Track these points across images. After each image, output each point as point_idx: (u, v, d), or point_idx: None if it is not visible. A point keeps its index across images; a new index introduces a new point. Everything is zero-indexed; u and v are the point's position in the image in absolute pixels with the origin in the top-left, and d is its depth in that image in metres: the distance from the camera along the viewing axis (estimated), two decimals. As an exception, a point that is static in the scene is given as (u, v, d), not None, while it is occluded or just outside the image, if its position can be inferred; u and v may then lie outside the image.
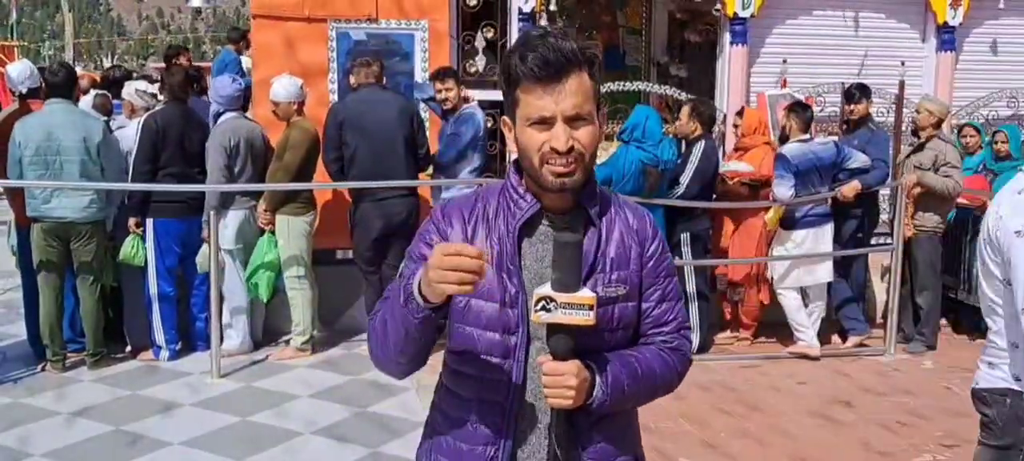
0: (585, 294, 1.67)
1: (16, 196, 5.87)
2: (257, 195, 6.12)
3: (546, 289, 1.67)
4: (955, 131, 7.34)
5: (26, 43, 26.24)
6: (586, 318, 1.66)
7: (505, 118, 1.84)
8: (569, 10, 8.61)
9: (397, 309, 1.74)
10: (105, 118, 6.32)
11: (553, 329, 1.69)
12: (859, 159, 6.35)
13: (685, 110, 6.52)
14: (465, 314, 1.83)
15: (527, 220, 1.81)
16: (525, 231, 1.82)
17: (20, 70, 6.08)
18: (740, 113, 6.78)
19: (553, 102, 1.70)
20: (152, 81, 7.75)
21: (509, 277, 1.80)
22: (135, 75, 9.39)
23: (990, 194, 6.73)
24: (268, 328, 6.61)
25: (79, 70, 9.45)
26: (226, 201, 6.03)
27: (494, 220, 1.83)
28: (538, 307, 1.66)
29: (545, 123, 1.72)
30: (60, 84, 5.73)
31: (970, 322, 7.00)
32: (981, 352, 2.66)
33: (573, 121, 1.72)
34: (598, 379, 1.77)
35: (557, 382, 1.70)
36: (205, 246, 5.91)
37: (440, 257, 1.60)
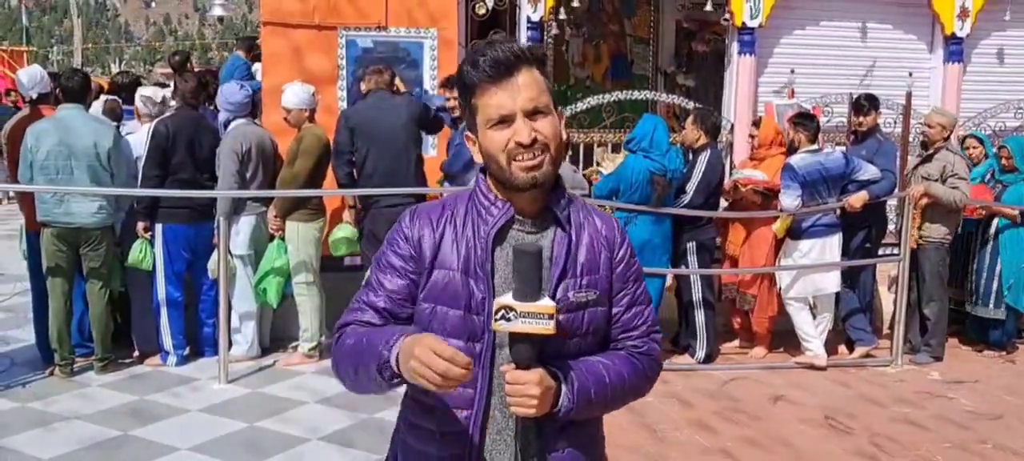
0: (544, 303, 1.67)
1: (26, 200, 5.91)
2: (267, 201, 6.14)
3: (506, 299, 1.67)
4: (959, 142, 7.35)
5: (35, 48, 26.33)
6: (546, 327, 1.66)
7: (467, 133, 1.86)
8: (577, 19, 8.63)
9: (371, 369, 1.73)
10: (115, 123, 6.35)
11: (515, 338, 1.69)
12: (869, 171, 6.35)
13: (689, 120, 6.54)
14: (430, 320, 1.82)
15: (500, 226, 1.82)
16: (498, 236, 1.82)
17: (31, 75, 6.12)
18: (757, 123, 6.79)
19: (510, 98, 1.75)
20: (163, 86, 7.78)
21: (476, 282, 1.79)
22: (143, 81, 9.43)
23: (994, 205, 6.74)
24: (275, 334, 6.62)
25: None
26: (237, 207, 6.06)
27: (462, 227, 1.84)
28: (498, 316, 1.67)
29: (505, 121, 1.75)
30: (74, 89, 5.77)
31: (976, 333, 7.00)
32: None
33: (532, 115, 1.75)
34: (564, 387, 1.76)
35: (520, 391, 1.69)
36: (215, 251, 5.93)
37: (429, 356, 1.59)
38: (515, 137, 1.74)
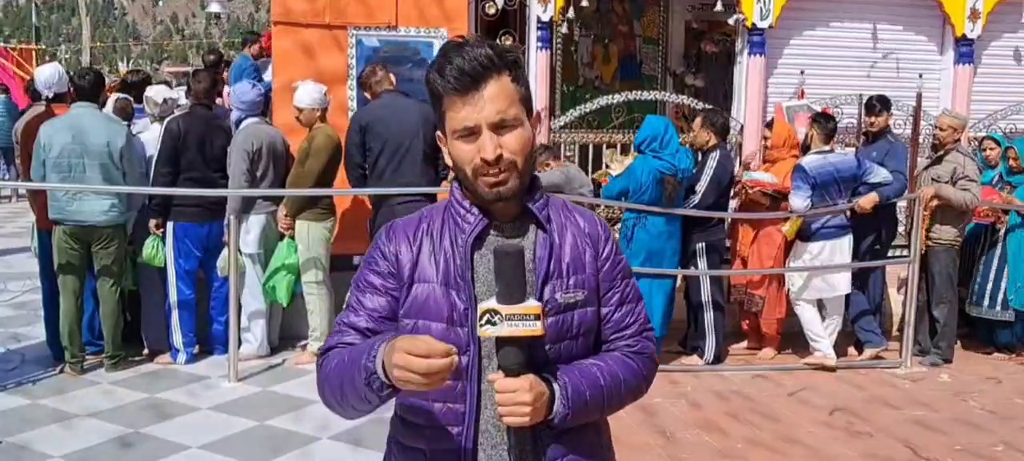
0: (530, 304, 1.61)
1: (38, 198, 5.93)
2: (278, 200, 6.15)
3: (490, 303, 1.61)
4: (975, 143, 7.32)
5: (44, 47, 26.41)
6: (533, 328, 1.60)
7: (439, 133, 1.80)
8: (586, 19, 8.64)
9: (359, 384, 1.64)
10: (126, 122, 6.37)
11: (502, 343, 1.62)
12: (880, 174, 6.34)
13: (697, 121, 6.52)
14: (414, 334, 1.74)
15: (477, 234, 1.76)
16: (476, 244, 1.76)
17: (49, 74, 6.13)
18: (770, 125, 6.78)
19: (475, 111, 1.68)
20: (169, 85, 7.80)
21: (457, 293, 1.73)
22: (152, 80, 9.45)
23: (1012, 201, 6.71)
24: (284, 333, 6.64)
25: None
26: (248, 206, 6.07)
27: (439, 238, 1.78)
28: (483, 321, 1.60)
29: (471, 133, 1.69)
30: (87, 88, 5.79)
31: (985, 336, 6.98)
32: None
33: (498, 128, 1.68)
34: (557, 392, 1.70)
35: (510, 399, 1.62)
36: (226, 250, 5.95)
37: (407, 359, 1.53)
38: (480, 152, 1.68)
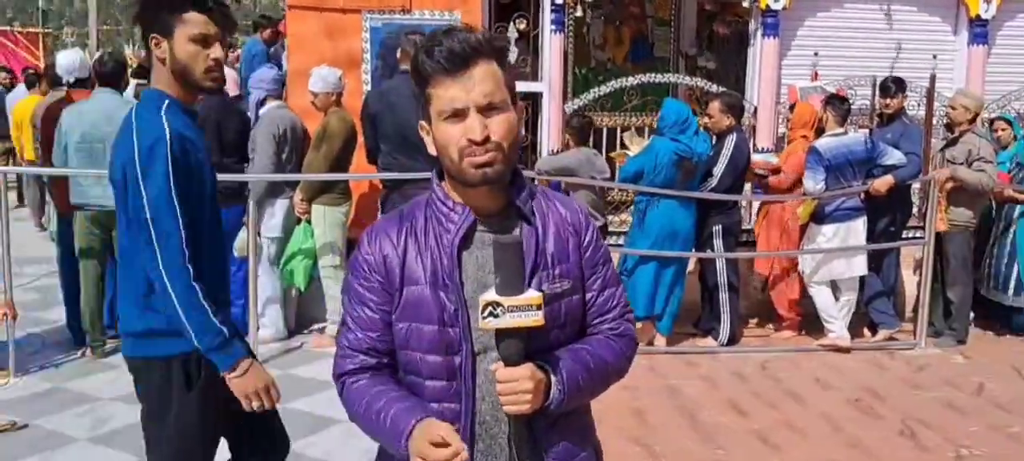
0: (531, 295, 1.64)
1: (59, 184, 5.95)
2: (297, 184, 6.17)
3: (491, 295, 1.63)
4: (986, 124, 7.31)
5: (51, 30, 26.34)
6: (535, 319, 1.63)
7: (421, 121, 1.80)
8: (599, 1, 8.62)
9: (387, 445, 1.78)
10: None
11: (502, 335, 1.65)
12: (894, 156, 6.34)
13: (715, 105, 6.49)
14: (407, 339, 1.80)
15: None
16: (462, 242, 1.77)
17: (71, 59, 6.13)
18: (792, 108, 6.80)
19: (464, 92, 1.69)
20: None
21: (446, 294, 1.75)
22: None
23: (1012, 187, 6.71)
24: (300, 317, 6.67)
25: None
26: (273, 190, 6.08)
27: (423, 236, 1.79)
28: (485, 314, 1.62)
29: (458, 115, 1.70)
30: (109, 74, 5.80)
31: (998, 318, 6.99)
32: None
33: (487, 111, 1.70)
34: (553, 378, 1.73)
35: (512, 389, 1.66)
36: (243, 232, 5.96)
37: (427, 449, 1.64)
38: (467, 133, 1.69)
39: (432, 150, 1.78)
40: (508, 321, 1.62)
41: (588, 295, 1.87)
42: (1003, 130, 7.16)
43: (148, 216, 2.47)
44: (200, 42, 2.57)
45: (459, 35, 1.70)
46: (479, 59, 1.70)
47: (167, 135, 2.50)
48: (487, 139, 1.69)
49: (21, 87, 11.00)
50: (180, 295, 2.48)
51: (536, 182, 4.43)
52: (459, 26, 1.77)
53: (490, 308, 1.62)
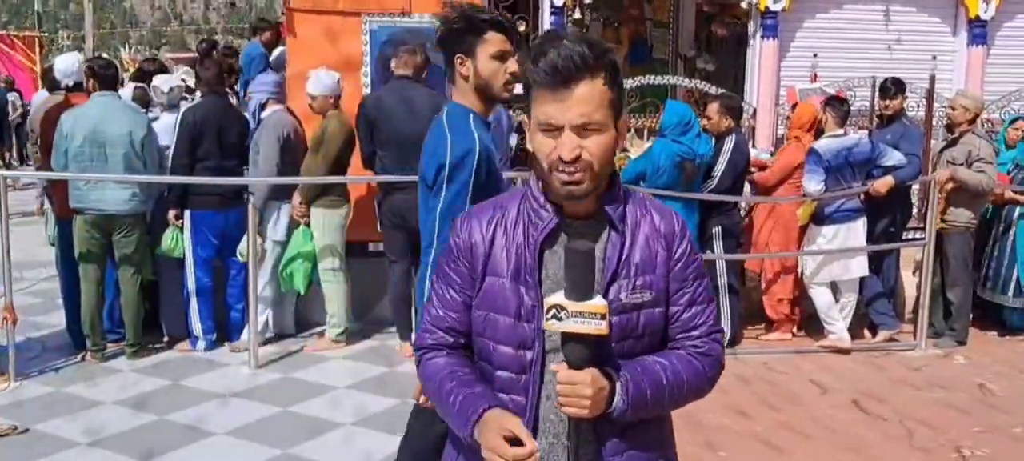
0: (597, 303, 1.65)
1: (58, 188, 5.94)
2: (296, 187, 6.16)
3: (558, 297, 1.65)
4: (1005, 123, 7.28)
5: (47, 33, 26.31)
6: (598, 327, 1.64)
7: (524, 117, 1.82)
8: (598, 3, 8.62)
9: (452, 424, 1.83)
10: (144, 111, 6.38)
11: (567, 338, 1.67)
12: (894, 157, 6.34)
13: (714, 107, 6.49)
14: (483, 327, 1.82)
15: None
16: (547, 241, 1.78)
17: (68, 63, 6.12)
18: (793, 109, 6.80)
19: (560, 111, 1.68)
20: (170, 71, 7.77)
21: (526, 289, 1.77)
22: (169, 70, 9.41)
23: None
24: (300, 320, 6.67)
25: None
26: (278, 194, 6.08)
27: (513, 229, 1.81)
28: (549, 315, 1.65)
29: (553, 130, 1.70)
30: (109, 78, 5.79)
31: (997, 319, 6.99)
32: None
33: (581, 130, 1.69)
34: (618, 388, 1.72)
35: (571, 391, 1.67)
36: (246, 235, 5.95)
37: (501, 445, 1.66)
38: (558, 150, 1.69)
39: (530, 147, 1.78)
40: (570, 326, 1.64)
41: (673, 309, 1.83)
42: (1020, 129, 7.11)
43: (437, 216, 2.68)
44: (499, 58, 2.78)
45: (566, 48, 1.67)
46: (582, 76, 1.67)
47: (477, 147, 2.70)
48: (578, 159, 1.68)
49: (43, 92, 10.84)
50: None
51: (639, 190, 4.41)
52: (570, 34, 1.73)
53: (554, 310, 1.65)
